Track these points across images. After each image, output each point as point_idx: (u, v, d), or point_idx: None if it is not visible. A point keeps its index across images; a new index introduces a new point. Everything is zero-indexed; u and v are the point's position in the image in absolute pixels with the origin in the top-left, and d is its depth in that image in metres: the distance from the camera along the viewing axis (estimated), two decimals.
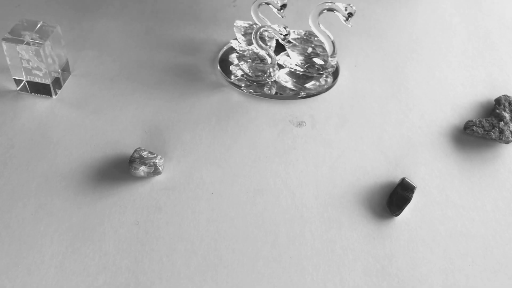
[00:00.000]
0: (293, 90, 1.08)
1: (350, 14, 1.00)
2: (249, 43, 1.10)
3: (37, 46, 0.94)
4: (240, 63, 1.07)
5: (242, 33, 1.11)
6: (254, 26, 1.11)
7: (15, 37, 0.95)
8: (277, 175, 0.92)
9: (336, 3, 1.01)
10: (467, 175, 0.94)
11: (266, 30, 1.03)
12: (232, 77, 1.09)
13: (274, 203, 0.87)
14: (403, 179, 0.89)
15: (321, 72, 1.09)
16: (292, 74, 1.11)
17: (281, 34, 1.01)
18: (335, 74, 1.12)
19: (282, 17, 1.07)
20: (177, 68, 1.12)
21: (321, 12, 1.03)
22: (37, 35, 0.96)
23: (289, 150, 0.96)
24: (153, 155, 0.89)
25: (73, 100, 1.02)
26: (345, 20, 1.01)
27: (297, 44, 1.09)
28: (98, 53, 1.14)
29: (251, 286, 0.76)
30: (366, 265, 0.80)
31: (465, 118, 1.05)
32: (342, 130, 1.01)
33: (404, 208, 0.86)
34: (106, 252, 0.79)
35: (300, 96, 1.06)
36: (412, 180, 0.92)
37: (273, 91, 1.07)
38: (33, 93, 1.02)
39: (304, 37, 1.09)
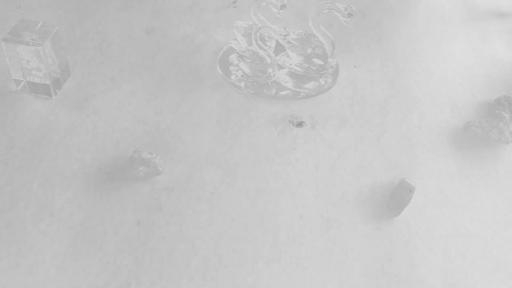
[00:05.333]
0: (293, 90, 1.08)
1: (350, 15, 1.00)
2: (249, 43, 1.10)
3: (37, 47, 0.94)
4: (240, 64, 1.07)
5: (242, 33, 1.11)
6: (254, 26, 1.11)
7: (15, 38, 0.95)
8: (277, 175, 0.92)
9: (336, 4, 1.01)
10: (467, 175, 0.94)
11: (266, 31, 1.03)
12: (232, 77, 1.09)
13: (274, 203, 0.87)
14: (403, 179, 0.89)
15: (321, 73, 1.09)
16: (292, 74, 1.11)
17: (281, 35, 1.01)
18: (335, 74, 1.12)
19: (282, 17, 1.07)
20: (177, 68, 1.12)
21: (320, 13, 1.03)
22: (37, 35, 0.96)
23: (289, 150, 0.96)
24: (153, 155, 0.89)
25: (73, 100, 1.02)
26: (345, 21, 1.01)
27: (296, 44, 1.09)
28: (98, 53, 1.14)
29: (251, 286, 0.76)
30: (366, 265, 0.80)
31: (465, 118, 1.05)
32: (342, 130, 1.01)
33: (404, 208, 0.86)
34: (107, 252, 0.79)
35: (300, 96, 1.07)
36: (412, 180, 0.92)
37: (273, 91, 1.07)
38: (33, 94, 1.02)
39: (304, 37, 1.09)
